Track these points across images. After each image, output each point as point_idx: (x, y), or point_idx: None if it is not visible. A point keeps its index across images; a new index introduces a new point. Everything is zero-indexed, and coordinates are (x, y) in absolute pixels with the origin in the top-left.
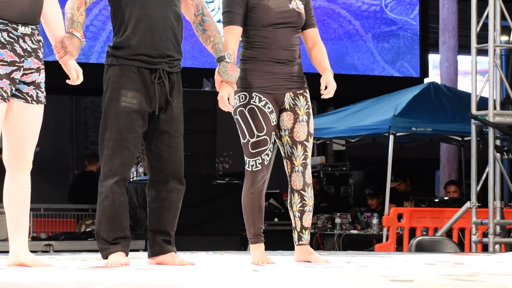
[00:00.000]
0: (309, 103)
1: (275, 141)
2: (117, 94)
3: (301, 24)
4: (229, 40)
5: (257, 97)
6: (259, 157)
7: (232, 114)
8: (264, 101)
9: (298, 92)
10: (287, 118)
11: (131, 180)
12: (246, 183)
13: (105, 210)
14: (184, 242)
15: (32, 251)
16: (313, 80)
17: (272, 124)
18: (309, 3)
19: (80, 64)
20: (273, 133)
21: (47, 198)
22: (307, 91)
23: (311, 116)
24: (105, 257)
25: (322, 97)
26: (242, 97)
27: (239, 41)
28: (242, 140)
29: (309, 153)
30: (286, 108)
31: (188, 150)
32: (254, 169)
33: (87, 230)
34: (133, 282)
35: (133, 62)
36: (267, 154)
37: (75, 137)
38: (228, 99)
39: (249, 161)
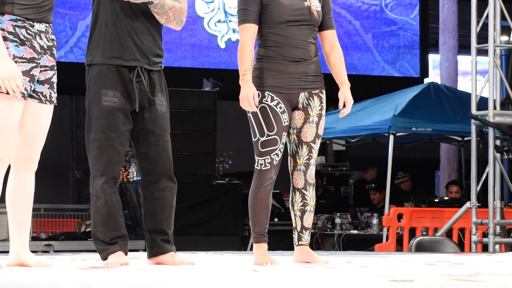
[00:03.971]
0: (323, 104)
1: (285, 142)
2: (98, 94)
3: (316, 22)
4: (245, 38)
5: (270, 96)
6: (268, 156)
7: (246, 112)
8: (276, 101)
9: (313, 92)
10: (297, 117)
11: (131, 180)
12: (254, 182)
13: (99, 211)
14: (184, 242)
15: (32, 251)
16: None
17: (284, 124)
18: (328, 4)
19: (79, 64)
20: (284, 133)
21: (47, 198)
22: (323, 91)
23: (323, 117)
24: (105, 258)
25: (341, 116)
26: None
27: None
28: (253, 138)
29: (314, 154)
30: (299, 107)
31: (188, 150)
32: (262, 168)
33: (87, 230)
34: (133, 283)
35: (111, 61)
36: (277, 154)
37: (75, 137)
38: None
39: (258, 159)
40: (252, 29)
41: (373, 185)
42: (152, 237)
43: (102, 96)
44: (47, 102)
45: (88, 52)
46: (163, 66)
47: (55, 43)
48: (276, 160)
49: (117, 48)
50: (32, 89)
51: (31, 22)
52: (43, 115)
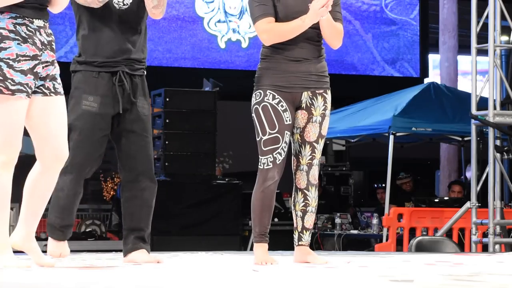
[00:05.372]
0: (327, 105)
1: (290, 142)
2: (79, 99)
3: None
4: (266, 27)
5: (271, 95)
6: (270, 155)
7: (250, 112)
8: (278, 99)
9: (317, 92)
10: (300, 117)
11: None
12: (257, 181)
13: (58, 200)
14: (184, 242)
15: None
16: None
17: (286, 122)
18: None
19: None
20: (287, 132)
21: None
22: (328, 91)
23: (327, 117)
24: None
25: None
26: (257, 95)
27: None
28: (256, 138)
29: (317, 155)
30: (303, 106)
31: (188, 150)
32: (265, 167)
33: (87, 230)
34: (132, 283)
35: (93, 67)
36: (279, 153)
37: None
38: None
39: (261, 159)
40: (272, 21)
41: (382, 184)
42: (128, 234)
43: (82, 100)
44: (52, 94)
45: (74, 60)
46: (145, 72)
47: (53, 37)
48: (279, 159)
49: (100, 54)
50: (36, 86)
51: (30, 19)
52: (55, 107)
